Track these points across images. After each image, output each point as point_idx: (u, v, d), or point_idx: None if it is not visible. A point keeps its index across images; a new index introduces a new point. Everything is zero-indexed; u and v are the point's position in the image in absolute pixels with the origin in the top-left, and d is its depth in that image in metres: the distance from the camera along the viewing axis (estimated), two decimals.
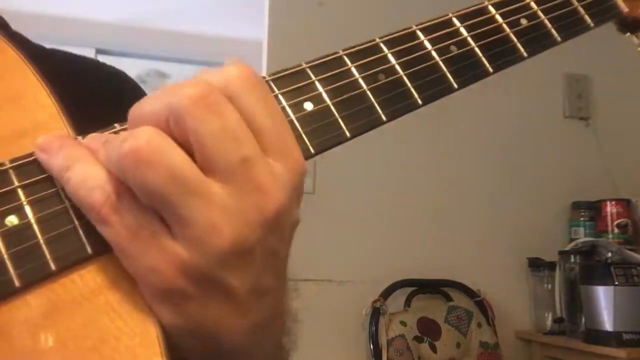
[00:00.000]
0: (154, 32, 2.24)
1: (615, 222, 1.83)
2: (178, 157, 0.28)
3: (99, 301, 0.30)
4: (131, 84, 0.59)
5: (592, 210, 1.90)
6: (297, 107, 0.37)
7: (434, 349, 1.69)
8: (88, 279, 0.30)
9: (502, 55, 0.45)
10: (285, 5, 1.83)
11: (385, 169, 1.88)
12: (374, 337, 1.69)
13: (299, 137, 0.36)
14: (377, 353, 1.67)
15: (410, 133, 1.92)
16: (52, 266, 0.30)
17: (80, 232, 0.31)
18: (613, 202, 1.85)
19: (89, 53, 2.19)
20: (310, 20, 1.81)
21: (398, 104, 0.40)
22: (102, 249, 0.31)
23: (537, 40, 0.47)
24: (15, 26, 0.55)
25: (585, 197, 1.92)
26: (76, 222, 0.31)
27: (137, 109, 0.30)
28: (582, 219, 1.91)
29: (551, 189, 1.97)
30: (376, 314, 1.71)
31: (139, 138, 0.28)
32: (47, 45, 0.57)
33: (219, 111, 0.29)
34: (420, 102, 0.41)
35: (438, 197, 1.90)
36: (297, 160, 0.31)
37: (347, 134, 0.38)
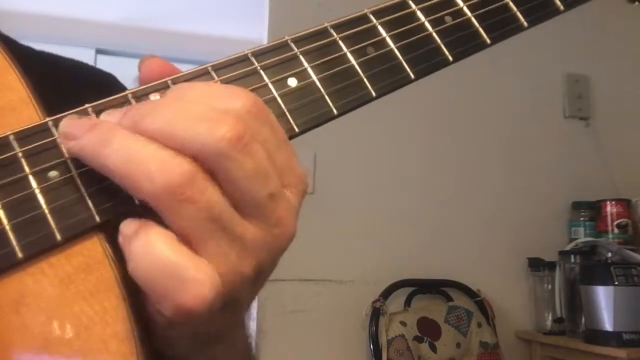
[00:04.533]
0: (154, 32, 2.24)
1: (615, 222, 1.83)
2: (216, 196, 0.29)
3: (70, 288, 0.29)
4: (119, 88, 0.58)
5: (592, 210, 1.90)
6: (281, 83, 0.35)
7: (434, 349, 1.69)
8: (64, 264, 0.30)
9: (501, 26, 0.42)
10: (285, 5, 1.83)
11: (385, 169, 1.88)
12: (374, 337, 1.69)
13: (282, 115, 0.34)
14: (377, 353, 1.67)
15: (410, 133, 1.92)
16: (18, 254, 0.29)
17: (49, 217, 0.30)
18: (613, 202, 1.85)
19: (89, 53, 2.19)
20: (310, 20, 1.80)
21: (389, 78, 0.38)
22: (72, 234, 0.30)
23: (539, 8, 0.44)
24: (15, 26, 0.55)
25: (585, 197, 1.92)
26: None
27: (169, 126, 0.29)
28: (582, 219, 1.91)
29: (551, 189, 1.97)
30: (376, 314, 1.70)
31: (176, 173, 0.28)
32: (47, 46, 0.57)
33: (251, 152, 0.29)
34: (412, 76, 0.39)
35: (438, 196, 1.90)
36: (303, 184, 0.32)
37: (334, 111, 0.36)
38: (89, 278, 0.30)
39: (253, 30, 1.96)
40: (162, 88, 0.34)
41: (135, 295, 0.29)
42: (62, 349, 0.28)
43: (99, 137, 0.29)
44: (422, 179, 1.90)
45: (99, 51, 2.26)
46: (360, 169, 1.86)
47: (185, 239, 0.28)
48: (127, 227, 0.29)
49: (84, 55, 0.60)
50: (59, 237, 0.29)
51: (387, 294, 1.75)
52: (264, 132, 0.30)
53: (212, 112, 0.29)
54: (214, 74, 0.35)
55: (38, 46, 0.57)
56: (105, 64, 0.60)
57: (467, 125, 1.96)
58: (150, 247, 0.28)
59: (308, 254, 1.77)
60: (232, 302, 0.30)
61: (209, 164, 0.29)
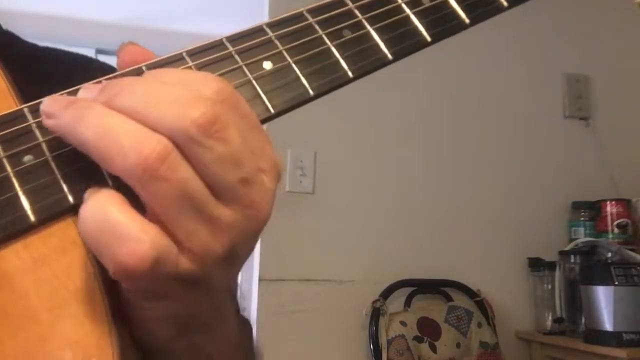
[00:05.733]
0: (154, 32, 2.24)
1: (615, 222, 1.83)
2: (189, 175, 0.29)
3: (45, 269, 0.29)
4: None
5: (592, 210, 1.90)
6: (255, 66, 0.36)
7: (434, 349, 1.69)
8: (39, 245, 0.30)
9: (481, 5, 0.42)
10: (285, 5, 1.83)
11: (385, 169, 1.88)
12: (374, 337, 1.69)
13: (256, 97, 0.35)
14: (377, 353, 1.67)
15: (410, 133, 1.92)
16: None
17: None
18: (613, 202, 1.85)
19: (89, 53, 2.19)
20: None
21: (366, 59, 0.38)
22: (46, 215, 0.30)
23: None
24: (15, 26, 0.55)
25: (585, 197, 1.92)
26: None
27: (143, 105, 0.29)
28: (582, 219, 1.91)
29: (551, 189, 1.97)
30: (376, 314, 1.71)
31: (150, 149, 0.28)
32: (46, 45, 0.57)
33: (225, 137, 0.29)
34: (390, 57, 0.38)
35: (438, 196, 1.90)
36: (277, 168, 0.33)
37: (310, 92, 0.36)
38: (63, 259, 0.30)
39: None
40: (137, 74, 0.34)
41: (109, 275, 0.30)
42: (37, 328, 0.28)
43: (75, 113, 0.30)
44: (422, 179, 1.90)
45: (99, 51, 2.26)
46: (360, 169, 1.86)
47: (158, 216, 0.29)
48: (88, 192, 0.29)
49: None
50: (32, 218, 0.30)
51: (387, 294, 1.75)
52: (235, 116, 0.30)
53: (187, 95, 0.29)
54: (188, 59, 0.35)
55: None
56: None
57: (467, 125, 1.96)
58: (98, 207, 0.28)
59: (308, 254, 1.78)
60: (202, 282, 0.31)
61: (181, 146, 0.29)
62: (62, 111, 0.30)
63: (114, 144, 0.28)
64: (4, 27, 0.55)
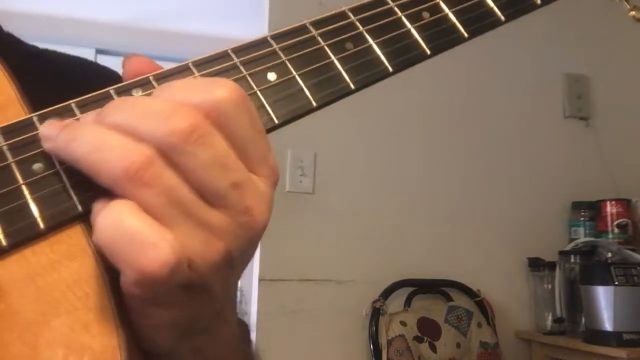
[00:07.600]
0: (154, 32, 2.24)
1: (615, 222, 1.83)
2: (175, 181, 0.30)
3: (53, 275, 0.30)
4: None
5: (592, 210, 1.90)
6: (260, 77, 0.37)
7: (434, 349, 1.69)
8: (47, 252, 0.30)
9: (478, 20, 0.43)
10: (285, 5, 1.83)
11: (385, 169, 1.88)
12: (374, 337, 1.69)
13: (261, 107, 0.36)
14: (377, 353, 1.67)
15: (410, 134, 1.92)
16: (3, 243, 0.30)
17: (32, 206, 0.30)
18: (613, 202, 1.85)
19: (89, 53, 2.19)
20: None
21: (367, 71, 0.39)
22: (55, 222, 0.31)
23: (516, 2, 0.45)
24: (15, 26, 0.55)
25: (585, 197, 1.92)
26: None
27: (129, 121, 0.30)
28: (582, 219, 1.91)
29: (551, 189, 1.97)
30: (376, 314, 1.71)
31: (133, 158, 0.29)
32: (46, 46, 0.57)
33: (207, 143, 0.30)
34: (391, 69, 0.40)
35: (438, 197, 1.90)
36: (275, 172, 0.33)
37: (314, 103, 0.37)
38: (72, 265, 0.30)
39: (253, 30, 1.96)
40: (144, 84, 0.35)
41: (116, 283, 0.30)
42: (46, 334, 0.29)
43: (68, 134, 0.31)
44: (422, 179, 1.90)
45: (99, 51, 2.27)
46: (360, 169, 1.86)
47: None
48: (97, 203, 0.30)
49: (84, 55, 0.61)
50: (42, 225, 0.30)
51: (387, 294, 1.75)
52: (243, 121, 0.31)
53: (171, 106, 0.30)
54: (194, 69, 0.36)
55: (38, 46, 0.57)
56: (105, 64, 0.60)
57: (467, 125, 1.96)
58: (114, 216, 0.29)
59: (308, 254, 1.78)
60: (201, 288, 0.31)
61: (167, 155, 0.30)
62: (57, 133, 0.31)
63: (101, 157, 0.29)
64: (5, 29, 0.55)
